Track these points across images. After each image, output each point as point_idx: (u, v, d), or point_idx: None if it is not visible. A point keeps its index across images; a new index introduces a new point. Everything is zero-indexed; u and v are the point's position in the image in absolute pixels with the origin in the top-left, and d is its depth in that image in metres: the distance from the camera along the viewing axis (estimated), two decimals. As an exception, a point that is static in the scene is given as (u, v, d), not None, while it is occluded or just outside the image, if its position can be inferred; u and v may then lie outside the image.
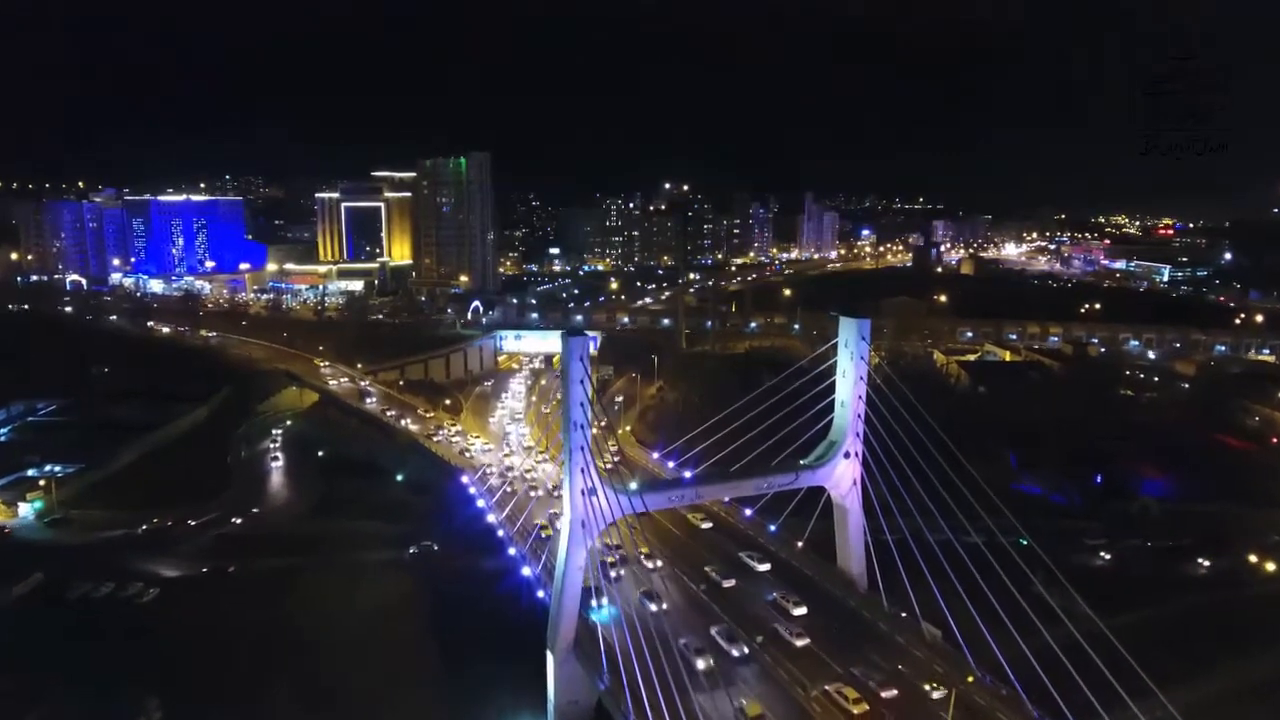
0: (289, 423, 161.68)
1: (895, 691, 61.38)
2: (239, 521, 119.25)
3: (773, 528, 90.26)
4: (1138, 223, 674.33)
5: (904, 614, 71.16)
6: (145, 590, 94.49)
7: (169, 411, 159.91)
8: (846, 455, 75.50)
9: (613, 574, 76.26)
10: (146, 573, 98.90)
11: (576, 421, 64.53)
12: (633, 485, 69.52)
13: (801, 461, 76.03)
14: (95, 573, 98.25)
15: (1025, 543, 66.40)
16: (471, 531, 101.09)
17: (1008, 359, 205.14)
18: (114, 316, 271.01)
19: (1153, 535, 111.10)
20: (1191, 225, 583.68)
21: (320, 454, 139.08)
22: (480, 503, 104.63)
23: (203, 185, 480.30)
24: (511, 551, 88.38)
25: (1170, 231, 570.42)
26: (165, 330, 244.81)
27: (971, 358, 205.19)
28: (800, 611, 72.81)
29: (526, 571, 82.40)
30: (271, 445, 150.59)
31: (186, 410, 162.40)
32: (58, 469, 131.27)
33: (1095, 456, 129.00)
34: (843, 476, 75.96)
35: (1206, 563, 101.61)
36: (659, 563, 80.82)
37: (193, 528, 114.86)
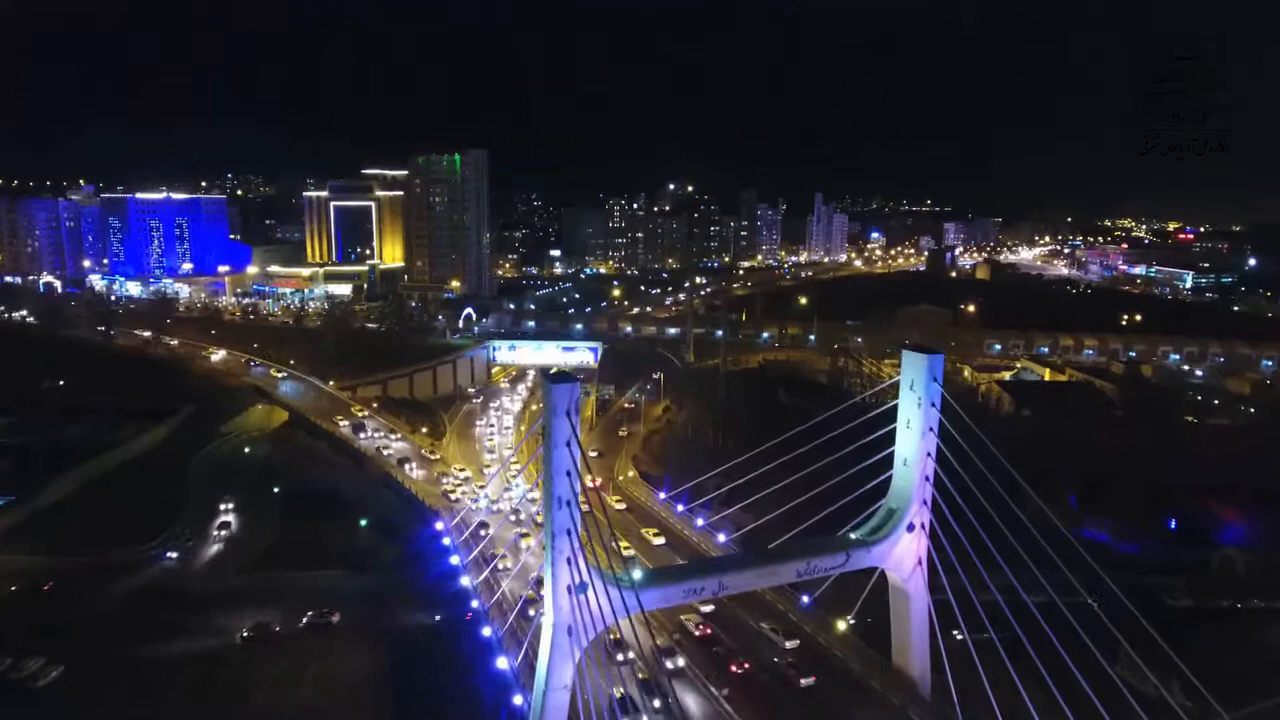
0: (248, 450, 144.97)
1: None
2: (175, 568, 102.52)
3: (806, 599, 74.17)
4: (1144, 226, 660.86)
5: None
6: (46, 669, 78.31)
7: (124, 432, 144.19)
8: (910, 528, 59.15)
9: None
10: (52, 641, 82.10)
11: (561, 497, 48.49)
12: (636, 574, 53.20)
13: (853, 535, 59.81)
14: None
15: (1096, 604, 55.74)
16: (442, 595, 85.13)
17: (1048, 377, 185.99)
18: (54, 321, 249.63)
19: (1240, 594, 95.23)
20: (1202, 229, 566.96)
21: (276, 490, 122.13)
22: (454, 559, 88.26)
23: (203, 184, 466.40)
24: (486, 632, 71.88)
25: (1189, 236, 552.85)
26: (130, 338, 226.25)
27: (1007, 375, 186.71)
28: None
29: (503, 664, 65.79)
30: (227, 476, 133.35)
31: (143, 430, 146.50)
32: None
33: (1167, 496, 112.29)
34: (905, 555, 59.59)
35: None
36: None
37: (118, 579, 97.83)
